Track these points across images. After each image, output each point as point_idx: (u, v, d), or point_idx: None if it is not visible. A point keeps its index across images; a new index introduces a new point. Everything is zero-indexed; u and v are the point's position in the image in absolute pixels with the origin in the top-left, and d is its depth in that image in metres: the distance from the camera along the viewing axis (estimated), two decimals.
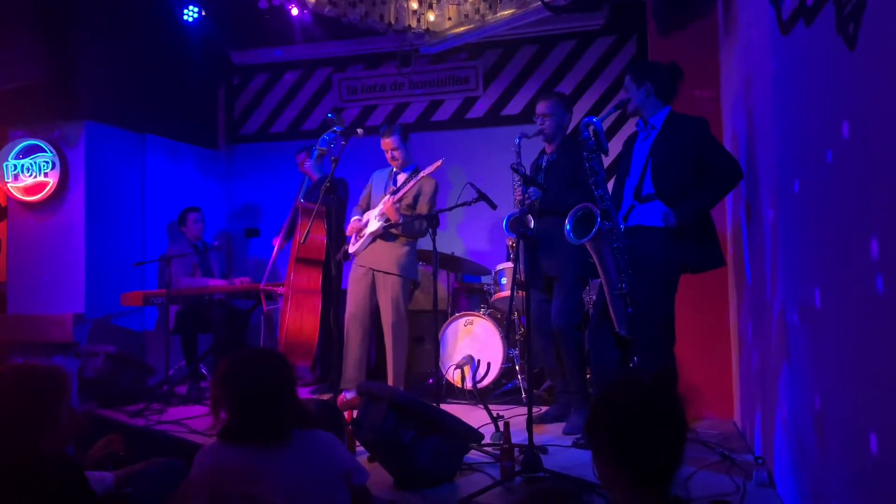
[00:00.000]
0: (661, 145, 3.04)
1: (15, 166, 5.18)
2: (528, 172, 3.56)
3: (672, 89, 3.15)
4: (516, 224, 3.63)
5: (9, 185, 5.20)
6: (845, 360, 1.71)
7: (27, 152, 5.18)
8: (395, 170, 4.46)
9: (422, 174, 4.18)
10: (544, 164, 3.76)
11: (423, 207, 4.29)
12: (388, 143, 4.37)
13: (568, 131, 3.81)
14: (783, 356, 2.40)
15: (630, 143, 3.27)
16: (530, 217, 3.67)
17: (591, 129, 2.92)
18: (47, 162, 5.14)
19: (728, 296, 3.81)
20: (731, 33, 3.51)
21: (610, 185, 3.16)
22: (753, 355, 3.05)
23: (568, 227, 2.92)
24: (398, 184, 4.35)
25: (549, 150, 3.78)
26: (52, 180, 5.14)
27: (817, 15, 1.87)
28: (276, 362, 2.02)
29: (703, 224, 2.98)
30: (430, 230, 3.64)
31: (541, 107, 3.75)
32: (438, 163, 4.12)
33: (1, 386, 1.79)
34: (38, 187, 5.17)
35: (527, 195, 3.43)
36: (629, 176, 3.16)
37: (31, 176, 5.17)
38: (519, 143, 3.60)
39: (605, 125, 3.06)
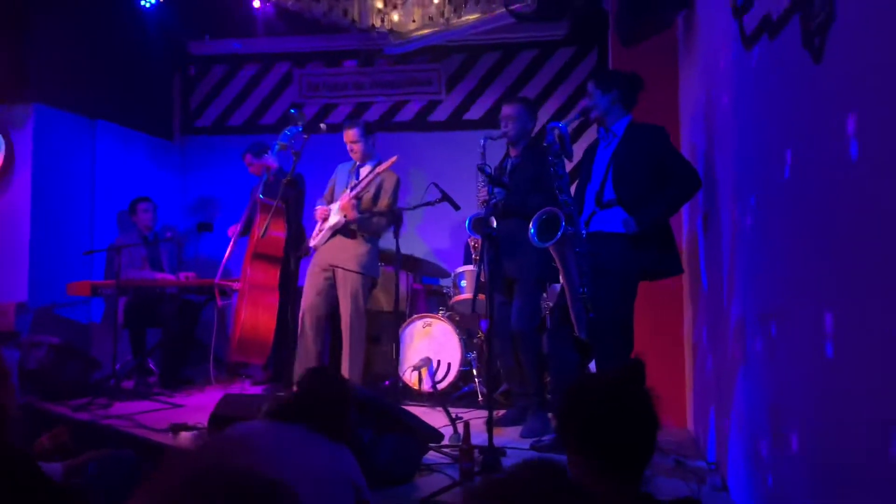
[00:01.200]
0: (623, 152, 3.11)
1: None
2: (492, 174, 3.59)
3: (634, 98, 3.23)
4: (479, 224, 3.66)
5: None
6: (804, 359, 1.77)
7: None
8: (357, 163, 4.43)
9: (377, 170, 4.16)
10: (508, 166, 3.80)
11: (384, 203, 4.27)
12: (349, 134, 4.35)
13: (532, 136, 3.86)
14: (739, 361, 2.47)
15: (591, 150, 3.33)
16: (493, 218, 3.71)
17: (556, 133, 2.96)
18: None
19: (682, 303, 3.91)
20: (692, 47, 3.61)
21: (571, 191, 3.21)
22: (708, 362, 3.14)
23: (532, 230, 2.95)
24: (360, 177, 4.33)
25: (513, 153, 3.83)
26: None
27: (782, 29, 1.94)
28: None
29: (662, 231, 3.05)
30: (393, 227, 3.63)
31: (506, 110, 3.79)
32: (393, 158, 4.13)
33: None
34: None
35: (492, 195, 3.45)
36: (590, 182, 3.21)
37: None
38: (484, 144, 3.63)
39: (569, 130, 3.10)
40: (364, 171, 4.36)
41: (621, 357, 2.99)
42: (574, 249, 2.89)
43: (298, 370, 4.19)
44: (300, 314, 4.30)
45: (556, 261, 2.95)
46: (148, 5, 5.55)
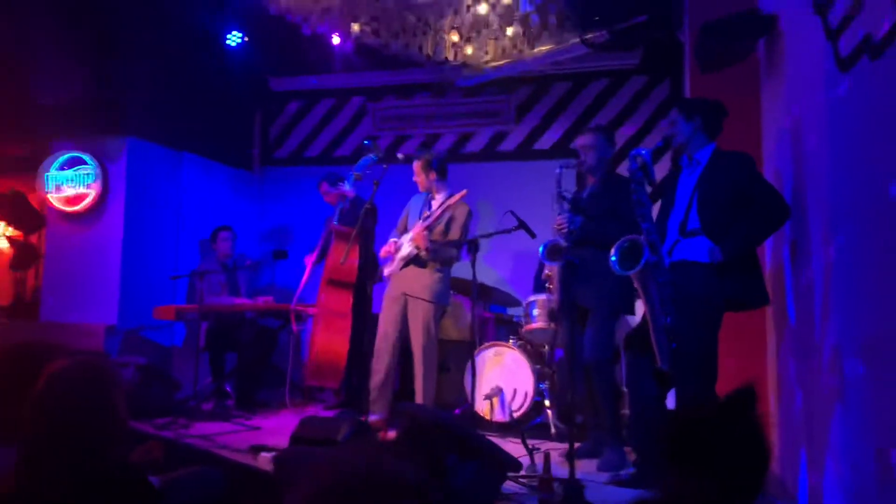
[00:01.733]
0: (707, 181, 3.05)
1: (58, 177, 5.28)
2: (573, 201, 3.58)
3: (717, 126, 3.18)
4: (554, 252, 3.64)
5: (50, 195, 5.30)
6: None
7: (70, 164, 5.29)
8: (430, 196, 4.50)
9: (448, 202, 4.21)
10: (586, 195, 3.78)
11: (455, 233, 4.31)
12: (414, 166, 4.45)
13: (609, 159, 3.84)
14: (836, 398, 2.37)
15: (673, 178, 3.29)
16: (567, 246, 3.68)
17: (639, 161, 2.94)
18: (89, 174, 5.24)
19: (766, 337, 3.77)
20: (775, 73, 3.54)
21: None
22: (797, 397, 3.01)
23: (614, 257, 2.92)
24: (432, 208, 4.40)
25: (590, 181, 3.81)
26: (93, 192, 5.23)
27: (886, 49, 1.90)
28: None
29: (748, 260, 2.97)
30: (470, 257, 3.66)
31: (583, 139, 3.79)
32: (463, 192, 4.18)
33: (64, 384, 1.67)
34: (79, 198, 5.26)
35: (571, 222, 3.43)
36: (673, 210, 3.17)
37: (72, 187, 5.27)
38: (560, 172, 3.63)
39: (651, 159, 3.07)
40: (436, 202, 4.43)
41: (705, 388, 2.91)
42: (657, 279, 2.84)
43: (374, 398, 4.25)
44: (377, 339, 4.36)
45: (639, 290, 2.90)
46: (233, 44, 5.83)
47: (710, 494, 1.19)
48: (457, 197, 4.17)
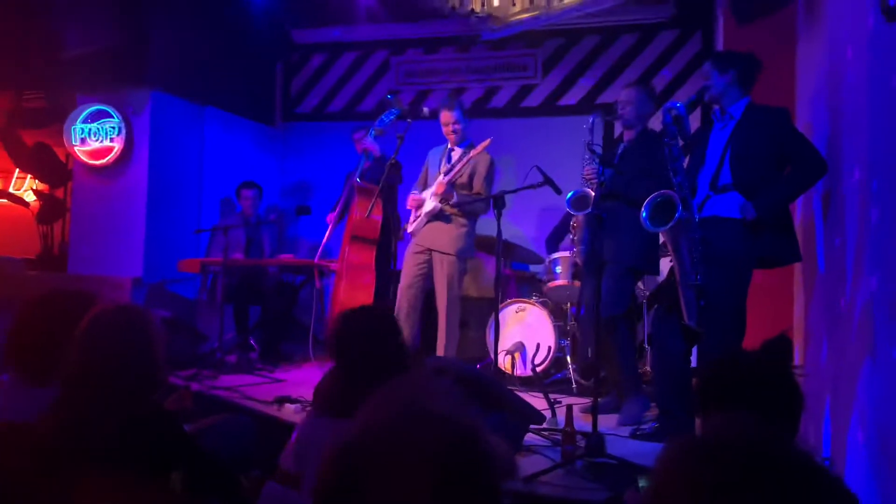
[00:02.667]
0: (741, 135, 2.98)
1: (82, 130, 5.29)
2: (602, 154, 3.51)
3: (752, 79, 3.10)
4: (580, 202, 3.60)
5: (76, 148, 5.32)
6: None
7: (95, 117, 5.30)
8: (449, 146, 4.44)
9: (471, 153, 4.15)
10: (620, 150, 3.72)
11: (478, 185, 4.26)
12: (449, 116, 4.32)
13: (649, 117, 3.74)
14: (865, 357, 2.34)
15: (704, 133, 3.22)
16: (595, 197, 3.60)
17: (673, 114, 2.88)
18: (114, 127, 5.25)
19: (793, 292, 3.74)
20: (814, 24, 3.43)
21: None
22: (823, 352, 2.99)
23: (644, 214, 2.88)
24: (452, 161, 4.34)
25: (627, 136, 3.73)
26: (117, 146, 5.24)
27: None
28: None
29: (781, 217, 2.92)
30: (495, 212, 3.62)
31: (625, 94, 3.70)
32: (487, 141, 4.11)
33: (105, 327, 1.70)
34: (104, 152, 5.28)
35: (601, 174, 3.35)
36: (704, 166, 3.11)
37: (97, 140, 5.28)
38: (593, 121, 3.55)
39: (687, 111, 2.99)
40: (456, 154, 4.37)
41: (732, 345, 2.89)
42: (688, 235, 2.80)
43: None
44: (398, 291, 4.37)
45: (669, 246, 2.87)
46: None
47: (752, 425, 1.19)
48: (482, 146, 4.11)
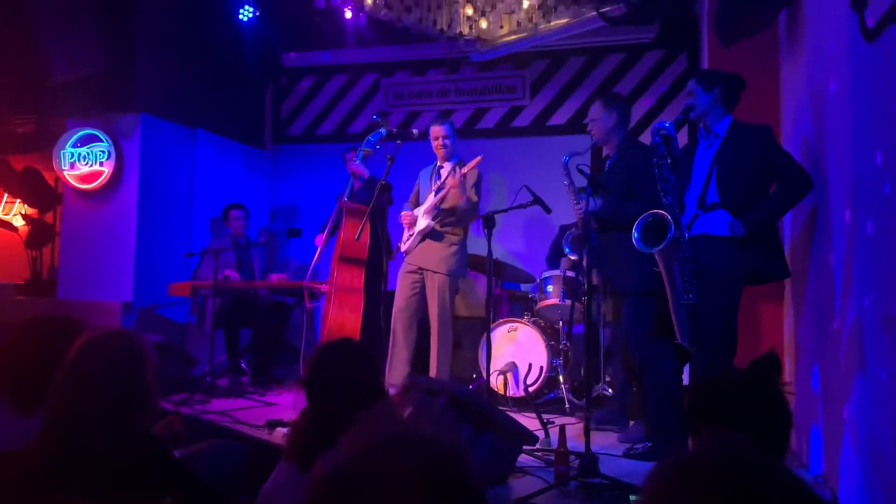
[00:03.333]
0: (727, 153, 3.01)
1: (72, 154, 5.29)
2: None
3: (736, 97, 3.13)
4: (577, 243, 3.61)
5: (65, 172, 5.31)
6: None
7: (84, 141, 5.30)
8: (438, 164, 4.47)
9: (464, 169, 4.15)
10: (607, 168, 3.74)
11: (470, 194, 4.26)
12: (439, 130, 4.38)
13: (620, 127, 3.68)
14: (856, 368, 2.35)
15: (689, 151, 3.25)
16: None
17: (662, 133, 2.90)
18: (104, 151, 5.25)
19: (783, 307, 3.75)
20: (796, 44, 3.48)
21: None
22: (814, 368, 3.00)
23: (636, 234, 2.89)
24: (442, 177, 4.37)
25: (607, 151, 3.75)
26: (107, 169, 5.23)
27: None
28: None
29: (769, 234, 2.94)
30: (485, 231, 3.64)
31: (589, 113, 3.72)
32: (478, 158, 4.13)
33: (96, 353, 1.68)
34: (94, 176, 5.27)
35: (587, 204, 3.34)
36: (691, 184, 3.13)
37: (87, 164, 5.28)
38: (567, 163, 3.55)
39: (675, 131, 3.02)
40: (445, 170, 4.40)
41: (723, 363, 2.90)
42: (679, 254, 2.81)
43: (391, 372, 4.26)
44: (393, 314, 4.37)
45: (660, 266, 2.88)
46: (245, 19, 5.79)
47: (743, 446, 1.19)
48: (472, 164, 4.13)
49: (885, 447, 2.03)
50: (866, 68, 2.28)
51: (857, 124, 2.38)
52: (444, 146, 4.38)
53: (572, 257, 4.24)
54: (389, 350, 4.32)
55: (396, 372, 4.29)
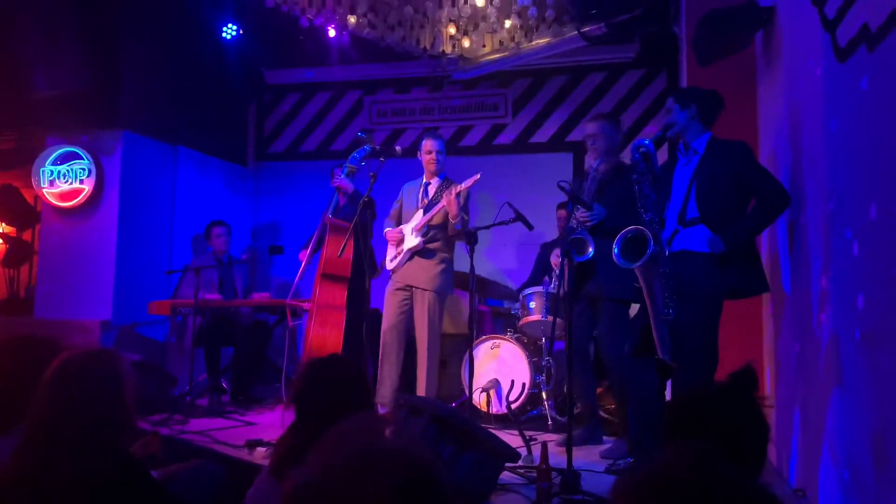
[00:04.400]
0: (705, 170, 3.05)
1: (52, 172, 5.25)
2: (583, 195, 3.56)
3: (713, 114, 3.18)
4: (578, 246, 3.62)
5: (44, 190, 5.26)
6: None
7: (64, 159, 5.26)
8: (425, 179, 4.47)
9: (459, 188, 4.13)
10: (589, 183, 3.76)
11: (464, 213, 4.27)
12: (433, 144, 4.41)
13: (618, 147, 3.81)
14: (833, 385, 2.37)
15: (668, 168, 3.29)
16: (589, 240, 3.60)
17: (642, 150, 2.94)
18: (84, 169, 5.21)
19: (762, 321, 3.79)
20: (772, 64, 3.55)
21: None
22: (794, 384, 3.02)
23: (616, 249, 2.91)
24: (430, 194, 4.38)
25: (600, 168, 3.80)
26: (87, 187, 5.19)
27: (884, 39, 1.90)
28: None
29: (748, 249, 2.97)
30: (468, 247, 3.64)
31: (590, 128, 3.78)
32: (477, 176, 4.09)
33: (76, 372, 1.66)
34: (74, 193, 5.23)
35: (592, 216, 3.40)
36: (671, 201, 3.16)
37: (67, 182, 5.23)
38: (563, 185, 3.58)
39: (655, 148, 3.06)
40: (433, 186, 4.40)
41: (705, 377, 2.91)
42: (660, 270, 2.83)
43: (380, 391, 4.23)
44: (382, 333, 4.34)
45: (641, 281, 2.89)
46: (228, 37, 5.80)
47: (706, 456, 1.20)
48: (470, 182, 4.10)
49: (863, 461, 2.05)
50: (838, 87, 2.33)
51: (832, 142, 2.43)
52: (437, 161, 4.40)
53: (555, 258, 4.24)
54: (378, 369, 4.29)
55: (386, 390, 4.27)
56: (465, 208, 4.27)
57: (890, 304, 1.89)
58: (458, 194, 4.09)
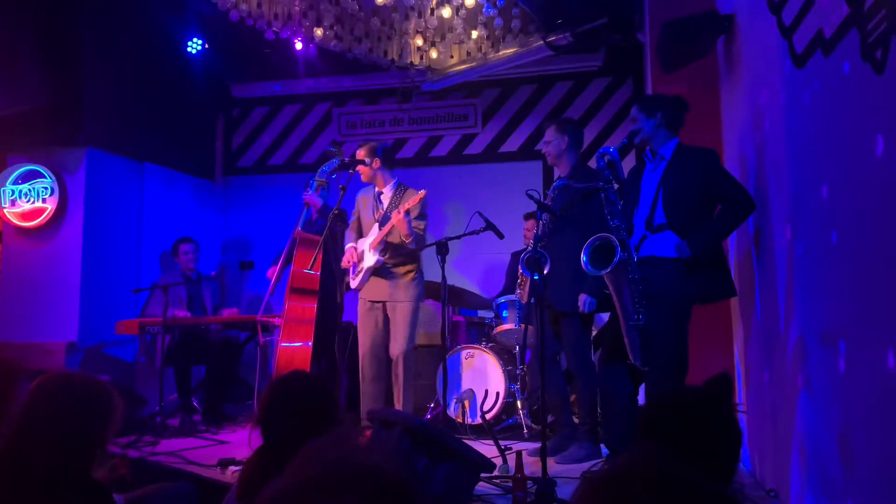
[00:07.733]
0: (672, 176, 3.08)
1: (13, 192, 5.13)
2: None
3: (679, 120, 3.22)
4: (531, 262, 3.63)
5: (5, 210, 5.14)
6: (874, 382, 1.72)
7: (26, 178, 5.15)
8: (377, 189, 4.40)
9: (408, 204, 4.06)
10: (552, 191, 3.78)
11: (416, 226, 4.18)
12: (357, 153, 4.35)
13: (571, 150, 3.79)
14: (801, 384, 2.40)
15: (636, 174, 3.32)
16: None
17: (606, 158, 2.96)
18: (46, 188, 5.10)
19: (732, 324, 3.83)
20: (734, 70, 3.60)
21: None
22: (764, 384, 3.05)
23: (584, 258, 2.92)
24: (384, 204, 4.32)
25: (558, 173, 3.81)
26: (50, 206, 5.09)
27: (837, 45, 1.93)
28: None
29: (715, 254, 3.01)
30: (439, 257, 3.63)
31: (545, 135, 3.80)
32: (421, 193, 4.05)
33: (49, 399, 1.62)
34: (36, 213, 5.11)
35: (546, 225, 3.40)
36: (638, 206, 3.19)
37: (29, 202, 5.12)
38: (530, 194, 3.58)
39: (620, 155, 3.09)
40: (385, 196, 4.34)
41: (676, 382, 2.93)
42: (628, 276, 2.85)
43: (363, 407, 4.18)
44: (360, 356, 4.28)
45: (610, 289, 2.91)
46: (194, 51, 5.74)
47: (664, 456, 1.20)
48: (414, 200, 4.05)
49: (831, 460, 2.07)
50: (798, 93, 2.37)
51: (792, 146, 2.47)
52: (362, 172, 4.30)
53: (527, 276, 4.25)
54: (361, 386, 4.25)
55: (370, 407, 4.21)
56: (421, 216, 4.19)
57: (847, 305, 1.92)
58: (406, 211, 4.03)
